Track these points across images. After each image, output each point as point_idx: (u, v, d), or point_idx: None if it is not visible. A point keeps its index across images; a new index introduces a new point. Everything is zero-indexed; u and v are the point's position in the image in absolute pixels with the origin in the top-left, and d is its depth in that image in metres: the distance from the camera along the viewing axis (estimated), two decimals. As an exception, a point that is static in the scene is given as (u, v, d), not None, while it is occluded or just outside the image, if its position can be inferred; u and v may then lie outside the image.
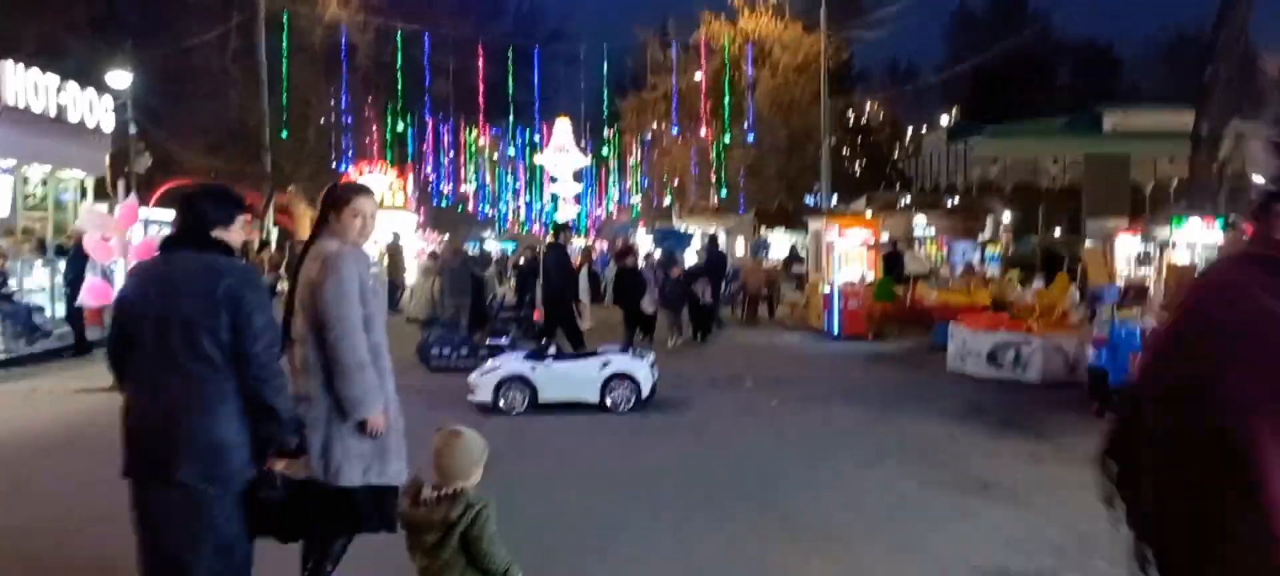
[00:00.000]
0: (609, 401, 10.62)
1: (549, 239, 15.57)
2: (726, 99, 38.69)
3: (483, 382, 10.66)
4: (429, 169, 48.30)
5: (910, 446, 9.07)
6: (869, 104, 66.10)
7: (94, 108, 21.60)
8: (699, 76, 40.69)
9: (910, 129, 68.79)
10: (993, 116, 51.04)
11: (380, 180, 37.59)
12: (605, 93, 42.08)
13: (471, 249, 45.35)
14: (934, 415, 10.63)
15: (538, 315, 18.53)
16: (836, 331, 18.31)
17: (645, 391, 10.68)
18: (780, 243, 32.73)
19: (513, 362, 10.85)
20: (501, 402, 10.54)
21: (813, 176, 44.13)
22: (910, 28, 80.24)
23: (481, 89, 38.15)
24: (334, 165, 38.69)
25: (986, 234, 33.15)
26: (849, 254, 18.63)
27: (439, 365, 13.97)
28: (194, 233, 3.95)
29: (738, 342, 17.88)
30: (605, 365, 10.71)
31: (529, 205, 70.68)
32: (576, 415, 10.44)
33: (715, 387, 12.57)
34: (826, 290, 18.65)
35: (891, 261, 20.57)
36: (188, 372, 3.71)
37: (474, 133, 47.18)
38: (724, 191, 42.41)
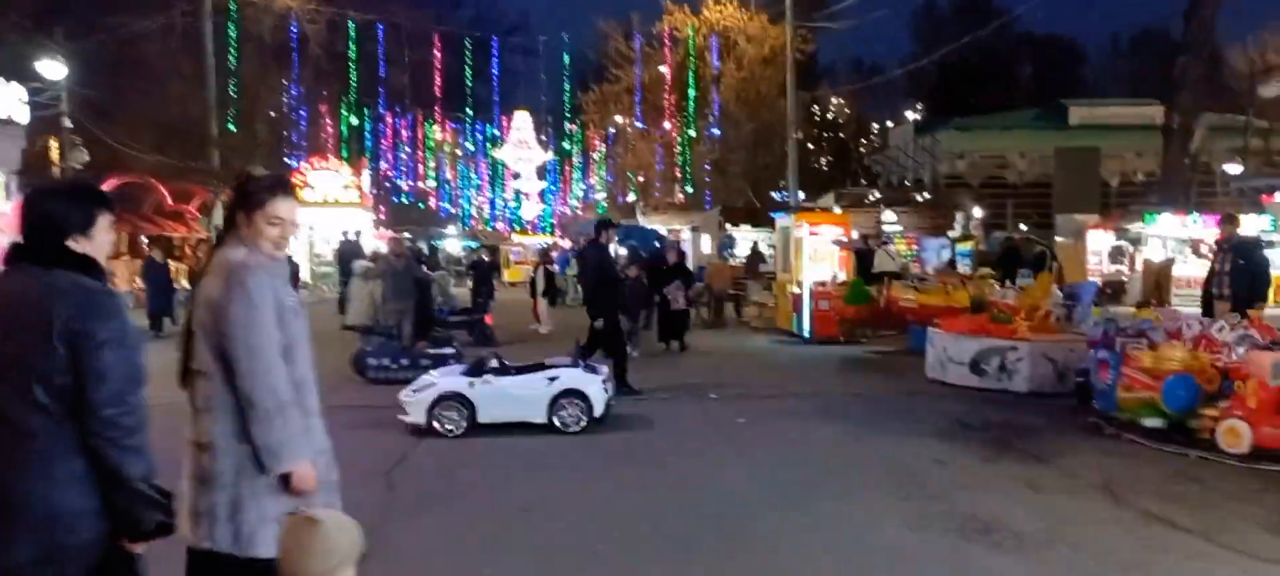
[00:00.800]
0: (557, 421, 9.43)
1: (588, 236, 14.40)
2: (691, 92, 37.56)
3: (415, 401, 9.43)
4: (387, 165, 46.77)
5: (896, 474, 7.94)
6: (834, 100, 65.41)
7: (3, 97, 19.95)
8: (663, 69, 39.56)
9: (876, 127, 68.17)
10: (957, 112, 50.38)
11: (334, 177, 36.23)
12: (567, 85, 40.78)
13: (431, 248, 44.04)
14: (918, 434, 9.53)
15: (489, 319, 17.38)
16: (807, 334, 17.24)
17: (598, 409, 9.51)
18: (747, 241, 31.67)
19: (448, 378, 9.63)
20: (436, 424, 9.32)
21: (779, 173, 43.24)
22: (875, 25, 79.37)
23: (439, 81, 36.68)
24: (285, 159, 37.14)
25: (957, 230, 32.25)
26: (819, 252, 17.55)
27: (377, 376, 12.72)
28: (40, 243, 3.02)
29: (703, 347, 16.74)
30: (553, 380, 9.52)
31: (492, 203, 69.27)
32: (521, 437, 9.25)
33: (677, 401, 11.43)
34: (796, 291, 17.56)
35: (861, 259, 19.52)
36: (17, 425, 2.90)
37: (433, 127, 45.68)
38: (690, 188, 41.29)
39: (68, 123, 26.75)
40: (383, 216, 50.99)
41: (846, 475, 7.99)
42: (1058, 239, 31.42)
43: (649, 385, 11.89)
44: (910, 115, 61.79)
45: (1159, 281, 23.10)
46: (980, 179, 43.61)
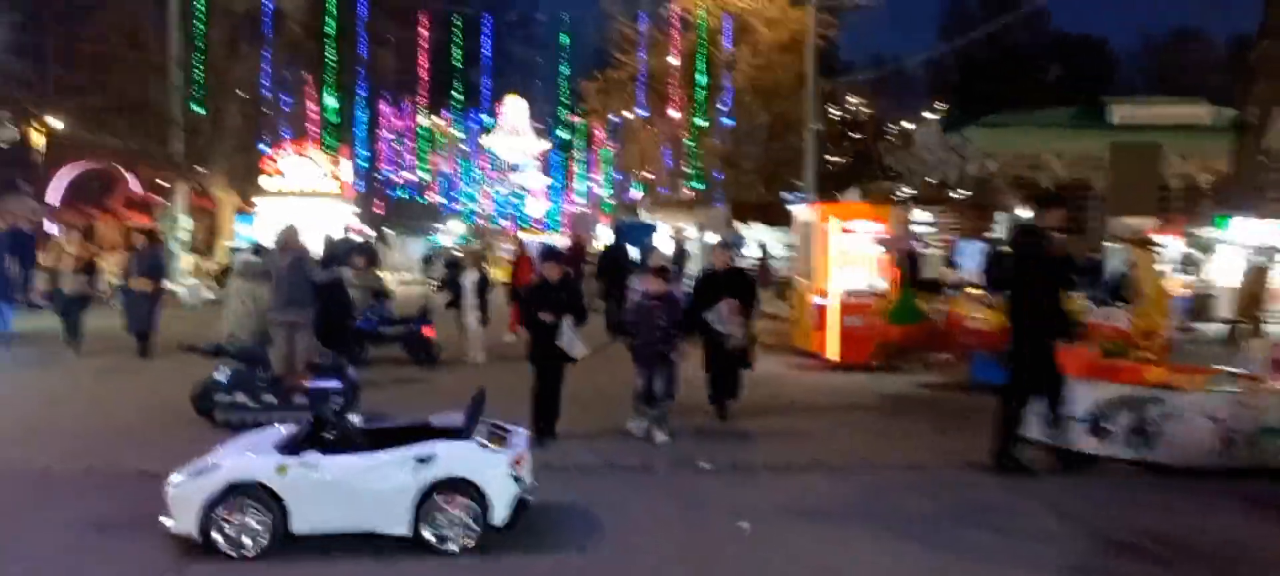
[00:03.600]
0: (429, 534, 5.36)
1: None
2: (702, 78, 33.40)
3: (183, 496, 5.37)
4: (377, 156, 42.69)
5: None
6: (851, 99, 61.18)
7: None
8: (673, 60, 35.46)
9: (894, 127, 63.93)
10: (981, 112, 46.45)
11: (309, 165, 32.21)
12: (566, 70, 36.60)
13: (426, 248, 39.94)
14: (1040, 566, 5.42)
15: (430, 332, 13.28)
16: (834, 356, 13.13)
17: (499, 511, 5.43)
18: (757, 240, 27.52)
19: (243, 457, 5.55)
20: (218, 536, 5.26)
21: (794, 168, 39.08)
22: (899, 20, 75.38)
23: (426, 63, 32.58)
24: (257, 145, 33.10)
25: (999, 232, 28.01)
26: (852, 254, 13.42)
27: (230, 419, 8.68)
28: None
29: (699, 373, 12.65)
30: (424, 461, 5.43)
31: (496, 199, 64.98)
32: (363, 564, 5.19)
33: (645, 475, 7.32)
34: (821, 301, 13.42)
35: (911, 264, 15.34)
36: None
37: (427, 115, 41.53)
38: (698, 182, 37.08)
39: (-13, 94, 22.84)
40: (381, 212, 47.07)
41: None
42: (1107, 245, 27.12)
43: (603, 432, 7.73)
44: (930, 116, 57.70)
45: (1253, 294, 18.89)
46: (1010, 181, 39.33)
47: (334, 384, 8.88)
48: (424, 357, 12.88)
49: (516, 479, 5.51)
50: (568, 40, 36.22)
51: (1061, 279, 8.10)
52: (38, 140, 29.41)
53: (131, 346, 12.92)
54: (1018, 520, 6.38)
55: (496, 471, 5.45)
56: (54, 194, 30.57)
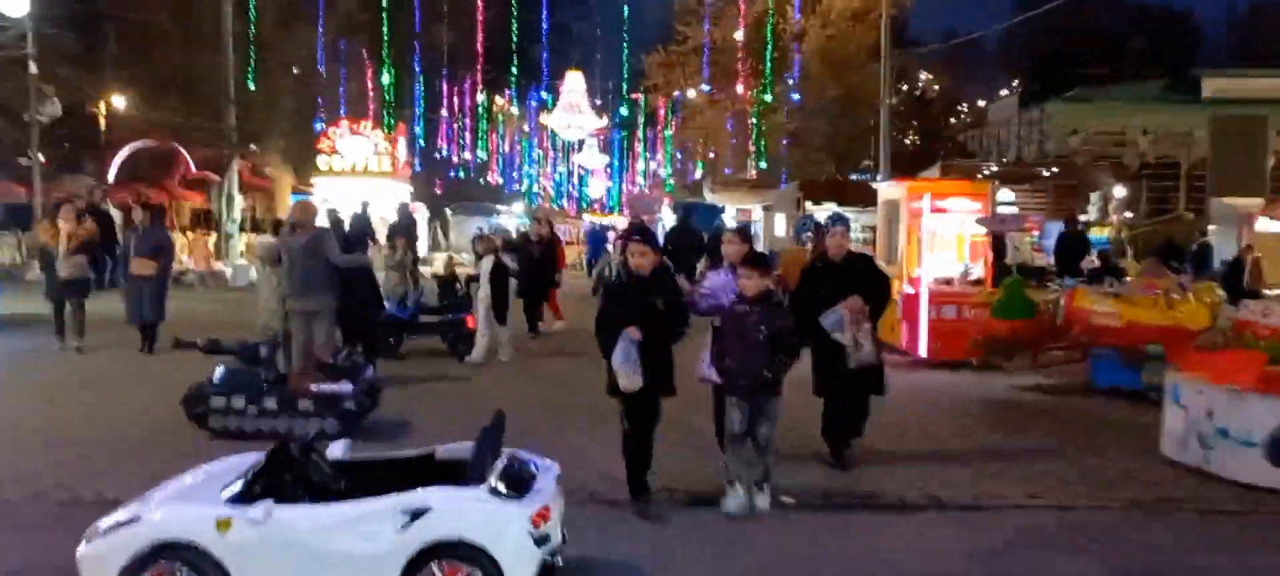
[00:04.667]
0: (419, 618, 3.92)
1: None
2: (768, 50, 31.51)
3: (97, 556, 4.00)
4: (435, 134, 41.55)
5: None
6: (923, 75, 58.70)
7: None
8: (738, 35, 33.64)
9: (965, 106, 61.25)
10: (1059, 88, 43.94)
11: (364, 142, 31.11)
12: (628, 44, 34.99)
13: (488, 229, 38.58)
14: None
15: (471, 322, 11.89)
16: (921, 352, 11.47)
17: (517, 585, 3.96)
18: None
19: (179, 502, 4.15)
20: (141, 613, 3.87)
21: (864, 147, 37.11)
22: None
23: (482, 38, 31.23)
24: (314, 122, 32.13)
25: (1092, 213, 25.88)
26: (944, 236, 11.73)
27: (227, 428, 7.36)
28: None
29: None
30: (415, 516, 3.97)
31: (556, 180, 63.56)
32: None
33: (709, 513, 5.76)
34: (909, 290, 11.76)
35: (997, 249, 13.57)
36: None
37: (485, 92, 40.21)
38: (763, 162, 35.22)
39: (33, 68, 21.98)
40: (438, 193, 45.98)
41: None
42: (1212, 228, 24.93)
43: (658, 462, 6.14)
44: (1005, 92, 55.16)
45: None
46: (1091, 159, 36.88)
47: (345, 388, 7.49)
48: (464, 348, 11.51)
49: (540, 540, 4.04)
50: (628, 12, 34.59)
51: None
52: (98, 117, 28.82)
53: (135, 340, 11.41)
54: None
55: (512, 531, 3.98)
56: (114, 172, 29.86)
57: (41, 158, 23.45)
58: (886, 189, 14.19)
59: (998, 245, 13.65)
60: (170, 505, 4.09)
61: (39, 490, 6.10)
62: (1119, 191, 26.23)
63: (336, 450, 4.63)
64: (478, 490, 4.08)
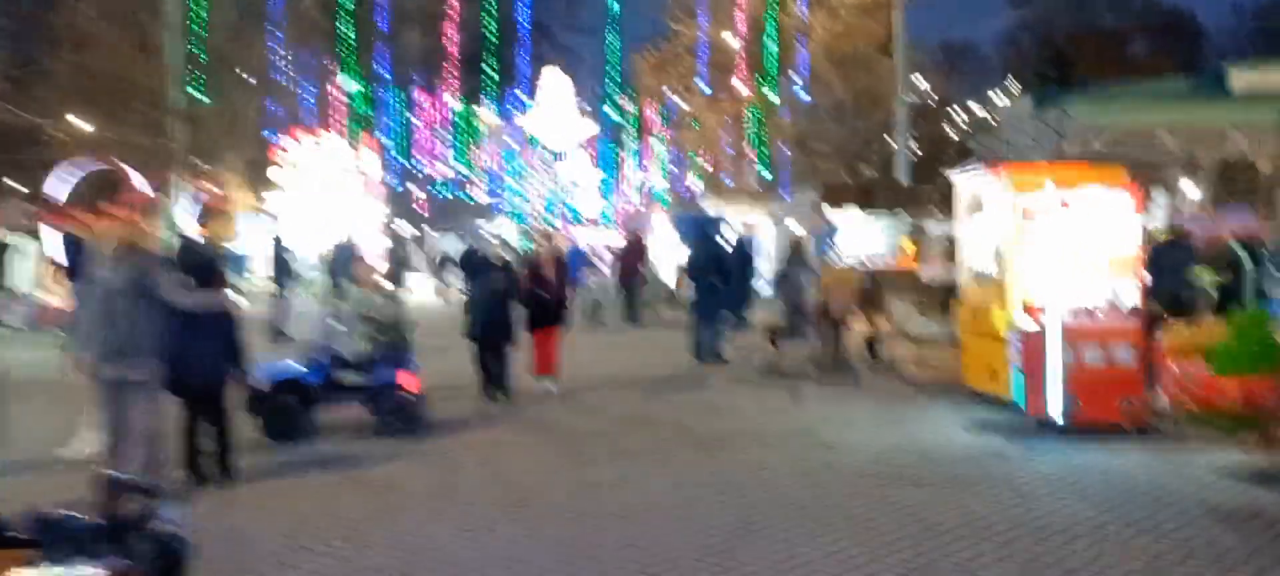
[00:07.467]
0: None
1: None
2: (772, 46, 27.99)
3: None
4: (410, 147, 37.88)
5: None
6: (923, 83, 55.67)
7: None
8: (733, 37, 30.15)
9: (971, 108, 58.26)
10: (1064, 91, 41.05)
11: (327, 157, 27.35)
12: (616, 44, 31.38)
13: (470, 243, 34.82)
14: None
15: (410, 382, 8.16)
16: (1063, 415, 7.81)
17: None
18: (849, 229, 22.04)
19: None
20: None
21: (876, 148, 33.67)
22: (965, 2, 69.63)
23: (454, 36, 27.57)
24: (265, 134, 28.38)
25: (1155, 217, 22.33)
26: (1080, 247, 8.11)
27: None
28: None
29: (817, 432, 7.54)
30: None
31: (548, 201, 59.72)
32: None
33: None
34: (1030, 327, 8.10)
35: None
36: None
37: (462, 99, 36.50)
38: (765, 167, 31.64)
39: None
40: (424, 212, 42.40)
41: None
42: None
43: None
44: (1014, 93, 52.02)
45: None
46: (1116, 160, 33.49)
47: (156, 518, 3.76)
48: (398, 425, 7.80)
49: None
50: (617, 9, 31.09)
51: None
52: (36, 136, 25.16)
53: None
54: None
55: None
56: (52, 192, 26.10)
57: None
58: (969, 182, 10.59)
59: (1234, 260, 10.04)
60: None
61: None
62: (1192, 192, 22.57)
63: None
64: None
